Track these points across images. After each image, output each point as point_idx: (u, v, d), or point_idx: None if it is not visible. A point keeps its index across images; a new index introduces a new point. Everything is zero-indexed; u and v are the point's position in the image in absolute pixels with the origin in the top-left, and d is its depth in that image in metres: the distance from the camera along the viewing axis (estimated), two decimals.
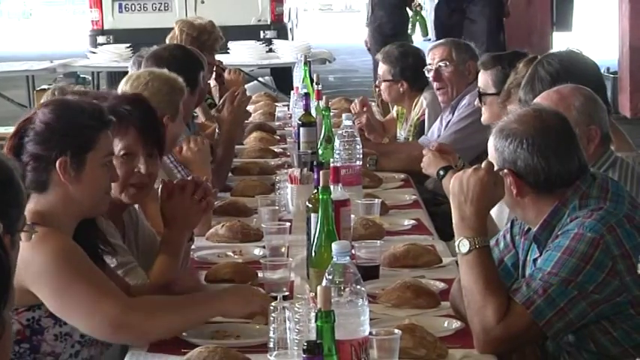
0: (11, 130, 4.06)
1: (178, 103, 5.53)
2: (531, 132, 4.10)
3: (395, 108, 8.71)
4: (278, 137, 8.32)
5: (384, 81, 8.35)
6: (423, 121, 7.99)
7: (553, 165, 4.09)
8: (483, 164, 4.05)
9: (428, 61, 7.76)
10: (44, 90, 10.35)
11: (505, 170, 4.08)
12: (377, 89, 8.76)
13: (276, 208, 5.76)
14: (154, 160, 4.53)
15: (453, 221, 4.07)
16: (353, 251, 3.55)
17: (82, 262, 3.92)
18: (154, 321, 4.00)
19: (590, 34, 16.45)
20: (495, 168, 4.05)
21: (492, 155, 4.13)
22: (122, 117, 4.44)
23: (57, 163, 3.92)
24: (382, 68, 8.41)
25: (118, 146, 4.39)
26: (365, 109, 8.18)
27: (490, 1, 14.37)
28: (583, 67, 5.34)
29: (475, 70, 7.41)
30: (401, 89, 8.10)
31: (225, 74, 8.54)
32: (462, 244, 3.99)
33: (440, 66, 7.55)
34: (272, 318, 3.77)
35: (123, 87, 5.45)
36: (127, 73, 6.65)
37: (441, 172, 5.88)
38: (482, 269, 3.96)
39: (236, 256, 5.08)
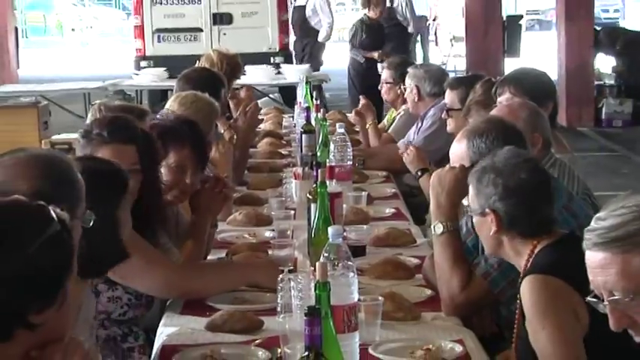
0: (73, 135, 4.07)
1: (214, 121, 5.57)
2: (498, 131, 4.12)
3: (388, 114, 8.65)
4: (285, 142, 8.28)
5: (386, 83, 8.30)
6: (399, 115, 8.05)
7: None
8: (458, 165, 4.05)
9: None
10: (94, 105, 10.31)
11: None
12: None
13: (283, 199, 5.76)
14: (198, 173, 4.52)
15: (431, 208, 4.08)
16: (344, 234, 3.53)
17: (137, 240, 3.90)
18: (193, 284, 4.04)
19: (534, 60, 16.41)
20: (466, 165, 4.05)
21: (464, 151, 4.13)
22: (180, 135, 4.48)
23: None
24: (386, 73, 8.37)
25: (172, 158, 4.41)
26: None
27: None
28: (543, 82, 5.49)
29: (435, 89, 7.43)
30: (399, 91, 8.02)
31: (242, 92, 8.51)
32: (437, 227, 3.98)
33: (402, 88, 7.54)
34: (280, 287, 3.76)
35: (171, 103, 5.45)
36: (163, 91, 6.71)
37: (419, 173, 5.99)
38: (451, 248, 3.94)
39: (251, 238, 5.05)
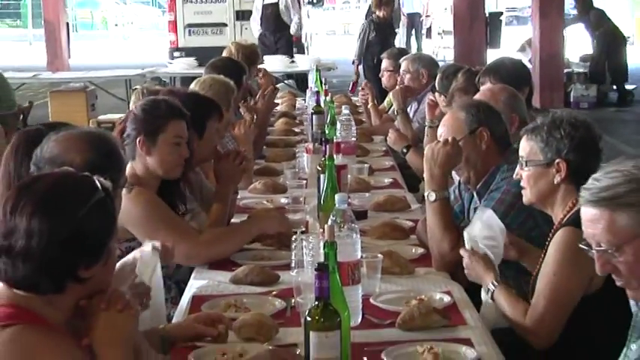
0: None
1: (231, 99, 5.51)
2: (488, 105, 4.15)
3: (387, 98, 8.60)
4: (298, 121, 8.28)
5: (387, 71, 8.26)
6: None
7: (503, 129, 4.09)
8: (450, 139, 3.99)
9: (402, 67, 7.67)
10: (136, 89, 10.29)
11: (482, 129, 4.06)
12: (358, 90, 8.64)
13: (296, 170, 5.77)
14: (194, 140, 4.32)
15: (425, 178, 4.03)
16: (349, 200, 3.53)
17: (163, 211, 3.91)
18: (214, 250, 4.01)
19: (513, 51, 16.35)
20: (458, 138, 4.02)
21: (455, 125, 4.09)
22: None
23: (137, 141, 3.92)
24: (386, 62, 8.33)
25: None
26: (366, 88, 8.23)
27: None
28: (519, 69, 5.54)
29: (428, 75, 7.44)
30: (398, 78, 7.96)
31: (259, 77, 8.48)
32: (430, 195, 3.94)
33: (403, 74, 7.49)
34: (294, 246, 3.75)
35: (193, 87, 5.44)
36: (193, 77, 6.72)
37: (404, 150, 6.09)
38: (442, 214, 3.92)
39: (268, 204, 5.04)
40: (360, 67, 13.21)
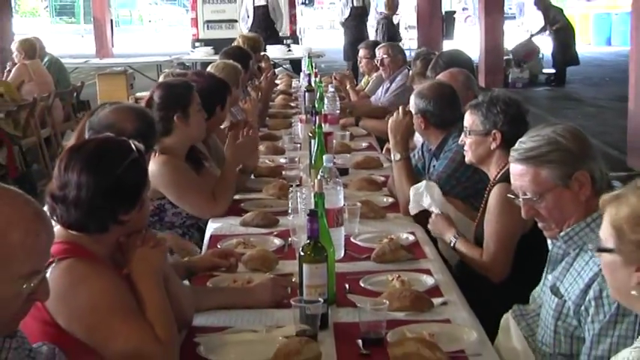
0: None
1: (239, 79, 5.46)
2: (434, 95, 4.05)
3: (364, 79, 8.54)
4: (293, 98, 8.25)
5: (365, 58, 8.14)
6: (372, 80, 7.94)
7: (445, 113, 4.03)
8: (406, 111, 4.05)
9: (377, 55, 7.59)
10: (165, 72, 10.23)
11: (419, 115, 4.04)
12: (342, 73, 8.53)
13: (292, 136, 5.74)
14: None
15: (390, 143, 4.06)
16: (334, 160, 3.50)
17: (187, 176, 3.86)
18: (223, 205, 3.93)
19: (464, 41, 16.31)
20: (413, 113, 4.04)
21: (412, 105, 4.08)
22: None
23: (175, 117, 3.83)
24: (363, 52, 8.25)
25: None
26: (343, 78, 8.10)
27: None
28: (462, 58, 5.31)
29: (403, 59, 7.41)
30: (374, 64, 7.80)
31: (264, 63, 8.46)
32: (395, 156, 3.97)
33: (383, 58, 7.40)
34: (290, 195, 3.73)
35: (209, 69, 5.38)
36: (210, 62, 6.71)
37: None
38: (406, 170, 3.94)
39: (270, 163, 5.01)
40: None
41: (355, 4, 14.87)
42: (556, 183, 2.50)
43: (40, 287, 1.74)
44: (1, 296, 1.69)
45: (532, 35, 15.94)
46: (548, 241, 2.64)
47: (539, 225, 2.59)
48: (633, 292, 1.82)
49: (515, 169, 2.59)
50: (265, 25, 13.41)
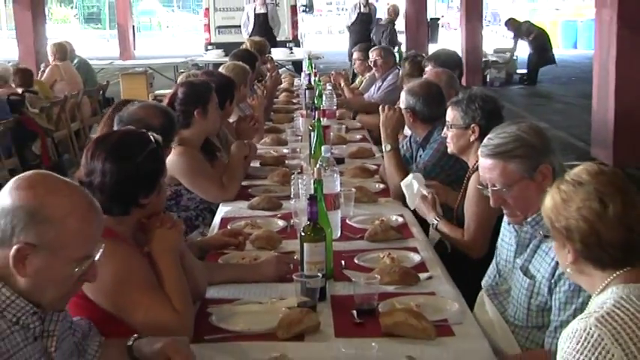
0: (167, 91, 4.00)
1: (247, 78, 5.43)
2: (422, 93, 4.02)
3: (358, 79, 8.51)
4: (295, 95, 8.21)
5: (358, 60, 8.12)
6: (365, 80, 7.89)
7: (431, 109, 4.02)
8: (395, 108, 4.04)
9: (370, 57, 7.56)
10: (182, 72, 10.22)
11: (408, 110, 4.02)
12: (340, 73, 8.48)
13: (294, 129, 5.72)
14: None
15: (382, 135, 4.03)
16: (331, 150, 3.49)
17: (201, 165, 3.85)
18: (232, 191, 3.91)
19: (446, 44, 16.32)
20: (402, 108, 4.02)
21: (402, 101, 4.06)
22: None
23: (195, 112, 3.83)
24: (357, 54, 8.21)
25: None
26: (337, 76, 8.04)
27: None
28: (455, 56, 5.48)
29: (394, 61, 7.41)
30: (367, 65, 7.80)
31: (269, 65, 8.43)
32: (387, 147, 3.96)
33: (376, 59, 7.38)
34: (292, 182, 3.71)
35: (220, 69, 5.36)
36: (221, 63, 6.69)
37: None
38: (395, 159, 3.92)
39: (274, 153, 4.98)
40: None
41: (362, 11, 14.86)
42: (522, 175, 2.50)
43: (89, 270, 1.75)
44: (56, 277, 1.70)
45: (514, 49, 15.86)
46: (515, 227, 2.61)
47: (505, 212, 2.58)
48: (568, 270, 1.91)
49: (485, 163, 2.57)
50: (264, 31, 13.32)
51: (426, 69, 5.23)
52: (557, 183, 1.93)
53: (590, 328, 1.70)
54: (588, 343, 1.69)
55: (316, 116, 4.33)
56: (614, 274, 1.83)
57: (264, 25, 13.87)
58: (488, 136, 2.60)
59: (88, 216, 1.74)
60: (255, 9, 14.05)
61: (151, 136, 2.36)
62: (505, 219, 2.66)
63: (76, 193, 1.76)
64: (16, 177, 1.75)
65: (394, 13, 14.81)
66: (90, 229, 1.74)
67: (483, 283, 2.71)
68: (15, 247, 1.65)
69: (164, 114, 3.17)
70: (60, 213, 1.69)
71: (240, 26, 14.42)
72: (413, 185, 3.53)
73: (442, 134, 3.50)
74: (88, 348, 2.00)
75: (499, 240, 2.73)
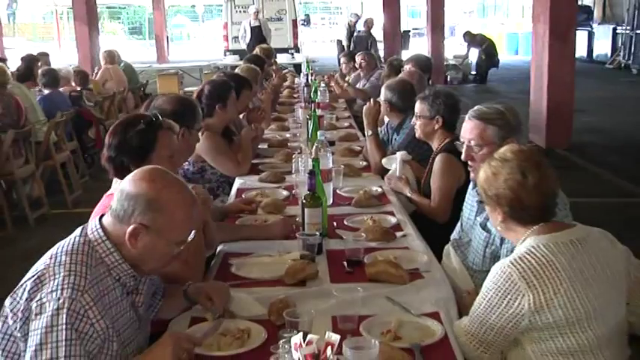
0: (194, 88, 3.93)
1: (258, 77, 5.37)
2: (398, 88, 3.98)
3: (345, 78, 8.44)
4: (296, 91, 8.15)
5: (344, 64, 8.05)
6: (350, 78, 7.79)
7: (405, 102, 3.98)
8: (376, 102, 3.96)
9: (357, 60, 7.50)
10: (207, 73, 10.11)
11: (386, 102, 3.97)
12: (332, 75, 8.41)
13: (295, 118, 5.71)
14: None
15: (364, 122, 3.98)
16: (325, 135, 3.45)
17: (221, 146, 3.79)
18: (245, 168, 3.86)
19: (416, 51, 16.23)
20: (382, 100, 3.97)
21: (382, 94, 4.02)
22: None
23: (217, 106, 3.77)
24: (343, 58, 8.18)
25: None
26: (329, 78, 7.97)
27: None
28: (426, 59, 5.48)
29: (375, 63, 7.37)
30: (352, 66, 7.77)
31: (274, 68, 8.36)
32: (368, 132, 3.91)
33: (361, 62, 7.32)
34: (293, 159, 3.67)
35: (237, 71, 5.28)
36: (237, 66, 6.63)
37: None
38: (375, 142, 3.88)
39: (279, 137, 4.94)
40: None
41: (352, 29, 14.68)
42: (494, 141, 2.49)
43: (183, 250, 1.76)
44: (157, 253, 1.72)
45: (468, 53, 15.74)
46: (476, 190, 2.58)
47: (470, 167, 2.54)
48: (498, 228, 1.99)
49: (469, 124, 2.55)
50: (259, 41, 13.19)
51: (406, 66, 5.26)
52: (487, 160, 1.98)
53: (505, 267, 1.81)
54: (501, 277, 1.81)
55: (313, 108, 4.29)
56: (532, 229, 1.90)
57: (259, 37, 13.71)
58: (477, 106, 2.59)
59: (190, 210, 1.73)
60: (250, 23, 13.87)
61: (152, 118, 2.30)
62: (470, 185, 2.63)
63: (185, 190, 1.74)
64: (140, 169, 1.75)
65: (371, 24, 14.64)
66: (190, 221, 1.74)
67: (451, 238, 2.70)
68: (132, 226, 1.68)
69: (179, 102, 3.00)
70: (171, 205, 1.69)
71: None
72: (392, 161, 3.49)
73: (412, 122, 3.46)
74: (157, 296, 2.00)
75: (465, 202, 2.71)
